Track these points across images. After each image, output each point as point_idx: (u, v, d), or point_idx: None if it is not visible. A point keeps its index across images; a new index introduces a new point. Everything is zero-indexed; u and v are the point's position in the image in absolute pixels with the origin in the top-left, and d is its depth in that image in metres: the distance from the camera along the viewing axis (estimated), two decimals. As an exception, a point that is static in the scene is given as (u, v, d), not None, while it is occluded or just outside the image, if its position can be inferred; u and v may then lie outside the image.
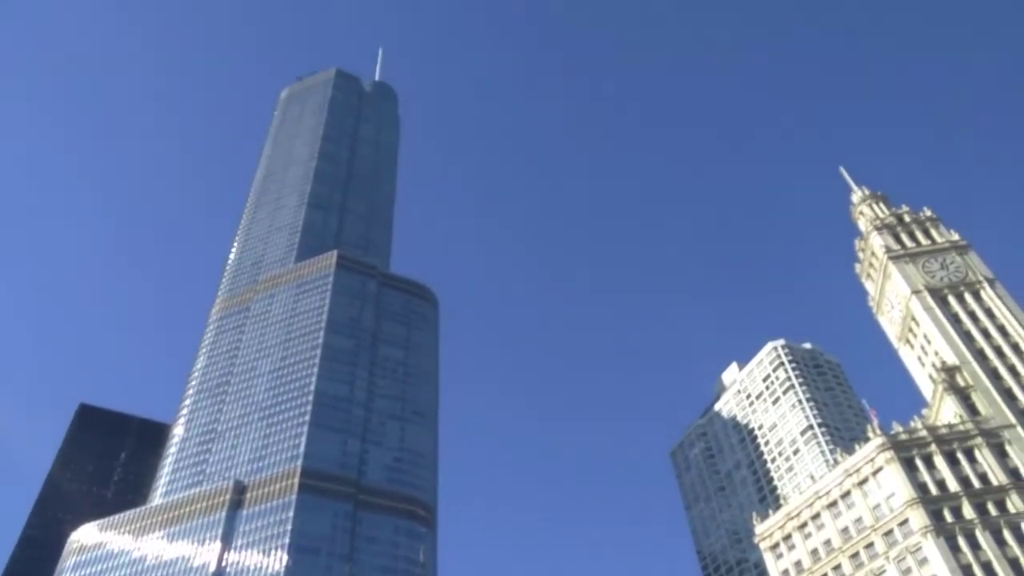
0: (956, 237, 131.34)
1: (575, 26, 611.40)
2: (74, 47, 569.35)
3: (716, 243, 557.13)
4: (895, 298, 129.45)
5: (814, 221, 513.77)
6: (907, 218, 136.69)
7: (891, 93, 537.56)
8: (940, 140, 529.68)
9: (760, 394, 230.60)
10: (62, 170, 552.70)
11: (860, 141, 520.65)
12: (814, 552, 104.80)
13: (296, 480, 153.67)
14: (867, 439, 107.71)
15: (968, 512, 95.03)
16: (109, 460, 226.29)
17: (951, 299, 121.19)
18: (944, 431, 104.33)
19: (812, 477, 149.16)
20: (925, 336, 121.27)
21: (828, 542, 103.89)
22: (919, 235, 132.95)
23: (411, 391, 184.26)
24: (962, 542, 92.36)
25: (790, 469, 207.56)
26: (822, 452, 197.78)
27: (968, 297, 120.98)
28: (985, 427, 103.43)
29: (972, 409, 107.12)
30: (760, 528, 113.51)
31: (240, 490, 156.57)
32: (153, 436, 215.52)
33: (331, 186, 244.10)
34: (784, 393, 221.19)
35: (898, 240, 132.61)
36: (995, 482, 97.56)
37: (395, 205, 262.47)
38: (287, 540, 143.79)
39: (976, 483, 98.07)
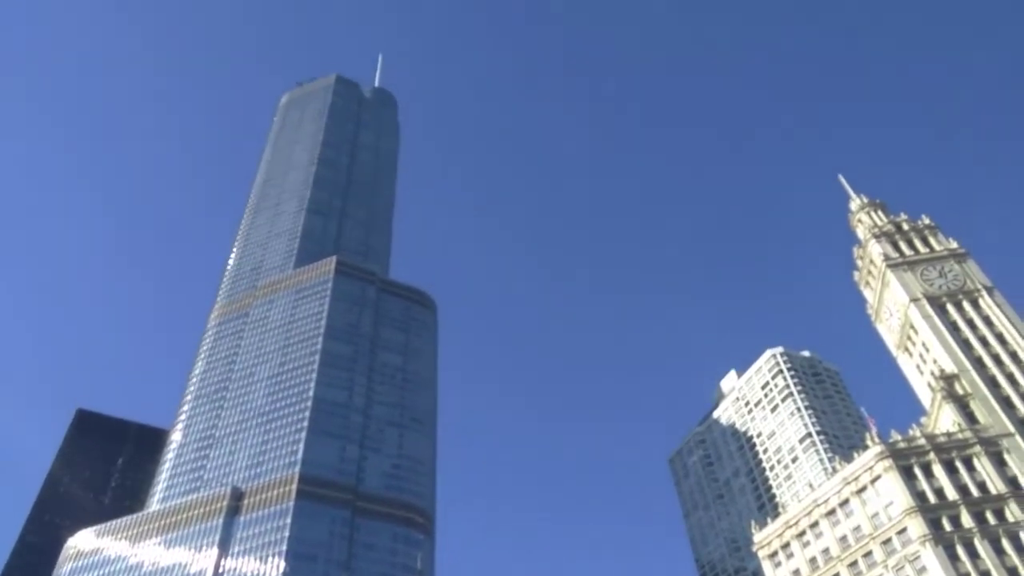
0: (954, 245, 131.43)
1: (575, 32, 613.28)
2: (75, 49, 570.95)
3: (715, 250, 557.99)
4: (894, 306, 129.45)
5: (813, 228, 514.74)
6: (905, 226, 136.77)
7: (891, 97, 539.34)
8: (939, 146, 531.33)
9: (759, 402, 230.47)
10: (62, 172, 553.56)
11: (860, 146, 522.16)
12: (812, 561, 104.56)
13: (294, 486, 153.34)
14: (866, 447, 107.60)
15: (967, 521, 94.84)
16: (107, 466, 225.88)
17: (949, 307, 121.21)
18: (943, 439, 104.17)
19: (811, 485, 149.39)
20: (924, 344, 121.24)
21: (826, 551, 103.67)
22: (917, 243, 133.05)
23: (410, 397, 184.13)
24: (961, 551, 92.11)
25: (789, 477, 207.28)
26: (821, 460, 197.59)
27: (966, 305, 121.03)
28: (984, 436, 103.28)
29: (971, 417, 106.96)
30: (758, 536, 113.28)
31: (237, 496, 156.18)
32: (151, 442, 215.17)
33: (331, 192, 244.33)
34: (783, 401, 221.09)
35: (896, 248, 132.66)
36: (994, 491, 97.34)
37: (394, 211, 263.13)
38: (284, 547, 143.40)
39: (975, 492, 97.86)
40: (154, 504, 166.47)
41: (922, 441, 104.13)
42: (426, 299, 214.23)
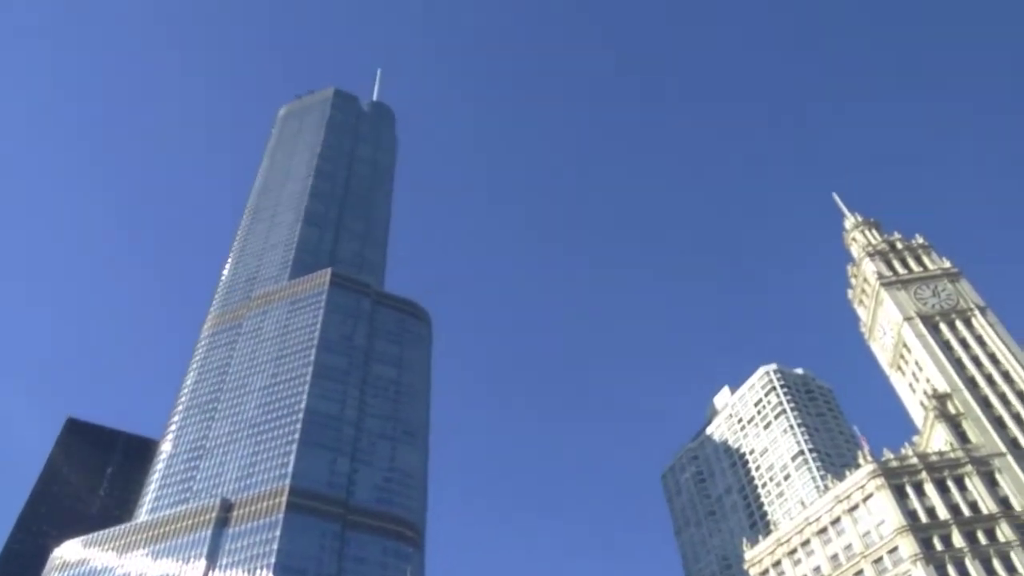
0: (948, 264, 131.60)
1: (572, 49, 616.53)
2: (75, 57, 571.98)
3: (710, 266, 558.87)
4: (887, 324, 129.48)
5: (807, 246, 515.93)
6: (899, 245, 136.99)
7: (886, 117, 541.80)
8: (935, 166, 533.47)
9: (752, 418, 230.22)
10: (57, 181, 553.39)
11: (855, 165, 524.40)
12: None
13: (284, 499, 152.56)
14: (858, 465, 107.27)
15: (958, 541, 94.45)
16: (96, 475, 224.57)
17: (943, 326, 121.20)
18: (935, 459, 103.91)
19: (803, 503, 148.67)
20: (916, 363, 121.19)
21: (818, 569, 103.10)
22: (911, 262, 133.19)
23: (402, 410, 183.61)
24: (951, 571, 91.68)
25: (781, 495, 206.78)
26: (813, 478, 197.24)
27: (960, 325, 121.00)
28: (975, 455, 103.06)
29: (963, 437, 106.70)
30: (750, 554, 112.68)
31: (227, 508, 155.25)
32: (140, 452, 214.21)
33: (327, 204, 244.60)
34: (776, 418, 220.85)
35: (890, 267, 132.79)
36: (985, 511, 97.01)
37: (391, 224, 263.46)
38: (273, 560, 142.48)
39: (966, 511, 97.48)
40: (143, 514, 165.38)
41: (914, 460, 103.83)
42: (421, 312, 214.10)
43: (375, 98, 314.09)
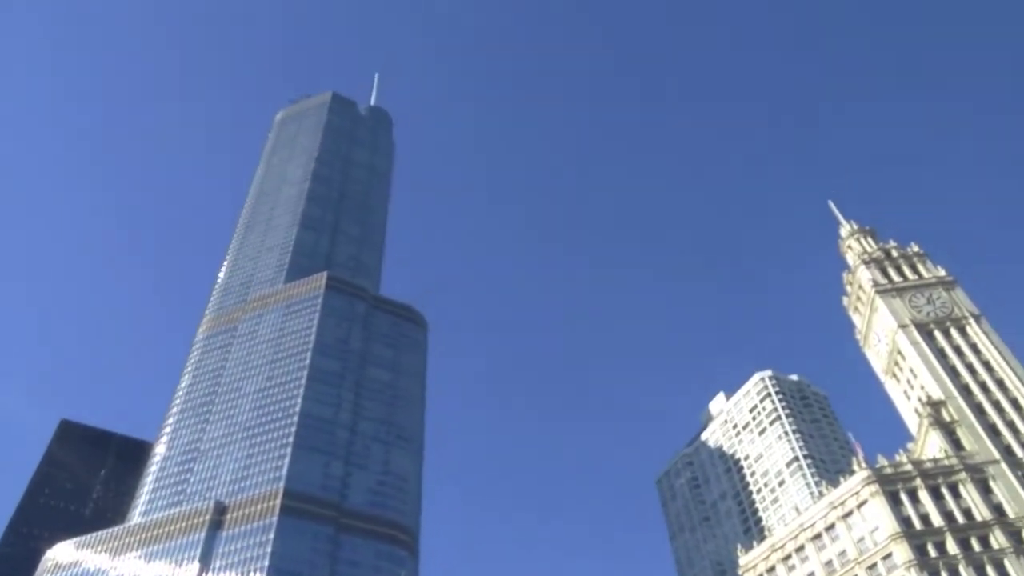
0: (943, 273, 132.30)
1: (570, 54, 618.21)
2: (73, 61, 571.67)
3: (705, 271, 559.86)
4: (882, 332, 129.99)
5: (803, 253, 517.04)
6: (894, 253, 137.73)
7: (882, 123, 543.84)
8: (932, 167, 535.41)
9: (747, 424, 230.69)
10: (53, 182, 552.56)
11: (851, 172, 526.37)
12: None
13: (278, 502, 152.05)
14: (852, 472, 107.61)
15: (952, 547, 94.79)
16: (89, 477, 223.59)
17: (937, 334, 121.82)
18: (929, 465, 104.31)
19: (797, 509, 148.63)
20: (911, 370, 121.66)
21: (812, 574, 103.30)
22: (906, 270, 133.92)
23: (397, 414, 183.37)
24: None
25: (775, 500, 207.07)
26: (807, 484, 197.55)
27: (954, 332, 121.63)
28: (970, 462, 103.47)
29: (957, 444, 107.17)
30: (744, 559, 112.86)
31: (220, 511, 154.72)
32: (134, 454, 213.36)
33: (324, 208, 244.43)
34: (770, 424, 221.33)
35: (885, 274, 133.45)
36: (979, 518, 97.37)
37: (387, 228, 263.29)
38: (267, 563, 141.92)
39: (960, 518, 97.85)
40: (136, 517, 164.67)
41: (908, 467, 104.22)
42: (416, 316, 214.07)
43: (373, 102, 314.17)
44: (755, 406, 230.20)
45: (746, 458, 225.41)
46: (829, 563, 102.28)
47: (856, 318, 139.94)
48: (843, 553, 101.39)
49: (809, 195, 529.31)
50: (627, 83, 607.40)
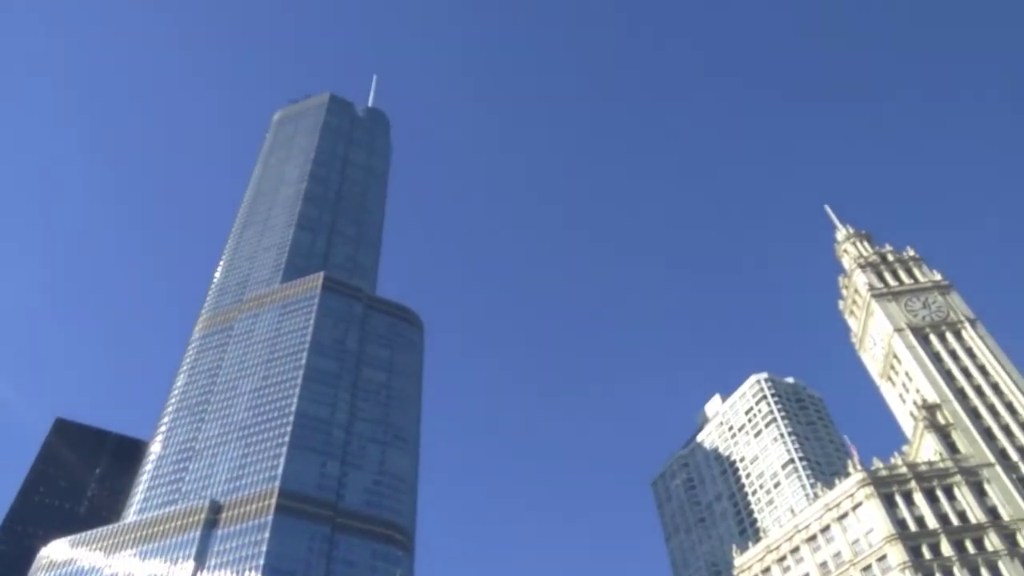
0: (938, 277, 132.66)
1: (568, 57, 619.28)
2: (71, 59, 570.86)
3: (702, 275, 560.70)
4: (877, 335, 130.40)
5: (799, 257, 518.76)
6: (890, 257, 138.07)
7: (878, 129, 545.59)
8: (926, 178, 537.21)
9: (742, 426, 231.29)
10: (51, 181, 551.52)
11: (847, 177, 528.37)
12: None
13: (273, 501, 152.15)
14: (848, 474, 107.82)
15: (946, 549, 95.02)
16: (84, 476, 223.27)
17: (933, 338, 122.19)
18: (924, 468, 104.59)
19: (792, 511, 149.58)
20: (907, 374, 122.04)
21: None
22: (902, 274, 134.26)
23: (393, 415, 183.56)
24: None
25: (770, 502, 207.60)
26: (803, 486, 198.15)
27: (949, 336, 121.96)
28: (964, 465, 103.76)
29: (952, 447, 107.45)
30: (739, 560, 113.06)
31: (216, 509, 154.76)
32: (129, 453, 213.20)
33: (320, 208, 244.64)
34: (766, 426, 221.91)
35: (881, 278, 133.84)
36: (974, 520, 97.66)
37: (384, 229, 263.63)
38: (262, 561, 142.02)
39: (955, 521, 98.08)
40: (131, 515, 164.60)
41: (904, 469, 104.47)
42: (413, 317, 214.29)
43: (370, 104, 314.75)
44: (751, 408, 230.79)
45: (742, 460, 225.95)
46: (824, 564, 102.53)
47: (852, 322, 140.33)
48: (838, 555, 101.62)
49: (806, 199, 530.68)
50: (624, 83, 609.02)
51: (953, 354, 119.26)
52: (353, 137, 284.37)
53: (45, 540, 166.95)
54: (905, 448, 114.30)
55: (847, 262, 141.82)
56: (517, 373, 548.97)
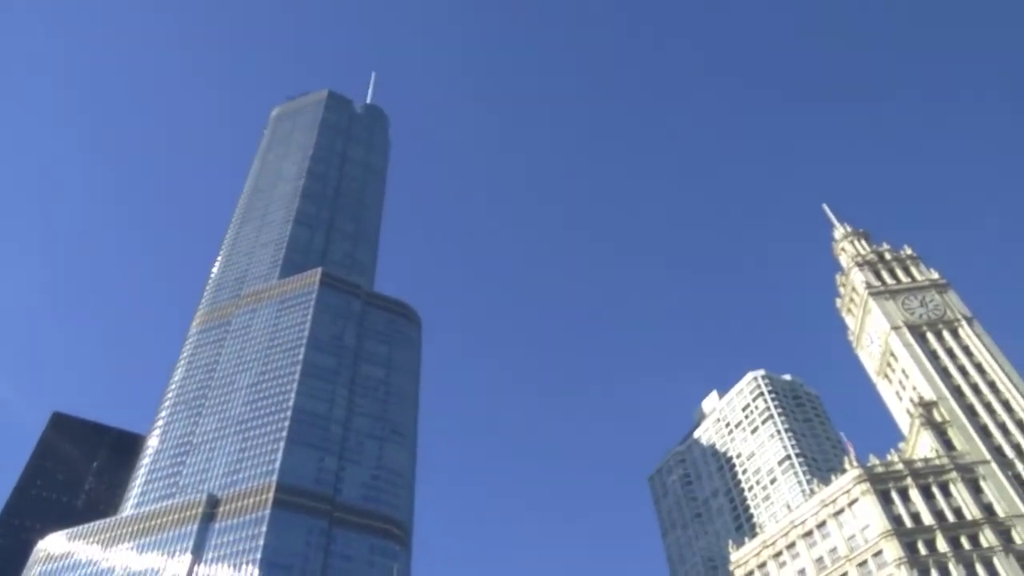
0: (936, 275, 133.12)
1: (567, 54, 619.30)
2: (70, 56, 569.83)
3: (700, 273, 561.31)
4: (874, 333, 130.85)
5: (797, 255, 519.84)
6: (888, 255, 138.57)
7: (876, 127, 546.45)
8: (924, 179, 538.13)
9: (739, 423, 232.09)
10: (48, 177, 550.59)
11: (844, 175, 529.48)
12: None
13: (270, 495, 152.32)
14: (844, 470, 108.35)
15: (942, 545, 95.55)
16: (81, 470, 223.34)
17: (929, 336, 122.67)
18: (920, 465, 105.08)
19: (788, 506, 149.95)
20: (903, 371, 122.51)
21: (803, 571, 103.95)
22: (899, 272, 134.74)
23: (391, 410, 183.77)
24: (935, 575, 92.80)
25: (767, 498, 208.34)
26: (799, 482, 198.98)
27: (946, 334, 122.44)
28: (960, 462, 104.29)
29: (948, 444, 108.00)
30: (736, 556, 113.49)
31: (213, 503, 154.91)
32: (127, 447, 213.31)
33: (318, 204, 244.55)
34: (763, 423, 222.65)
35: (879, 277, 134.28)
36: (969, 516, 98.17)
37: (382, 226, 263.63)
38: (259, 555, 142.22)
39: (950, 517, 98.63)
40: (128, 509, 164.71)
41: (900, 466, 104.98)
42: (411, 313, 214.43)
43: (369, 100, 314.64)
44: (748, 405, 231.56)
45: (738, 456, 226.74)
46: (820, 560, 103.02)
47: (849, 319, 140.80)
48: (834, 550, 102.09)
49: (804, 197, 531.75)
50: (624, 83, 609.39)
51: (950, 352, 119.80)
52: (351, 134, 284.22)
53: (42, 533, 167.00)
54: (901, 445, 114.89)
55: (845, 260, 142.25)
56: (515, 370, 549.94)
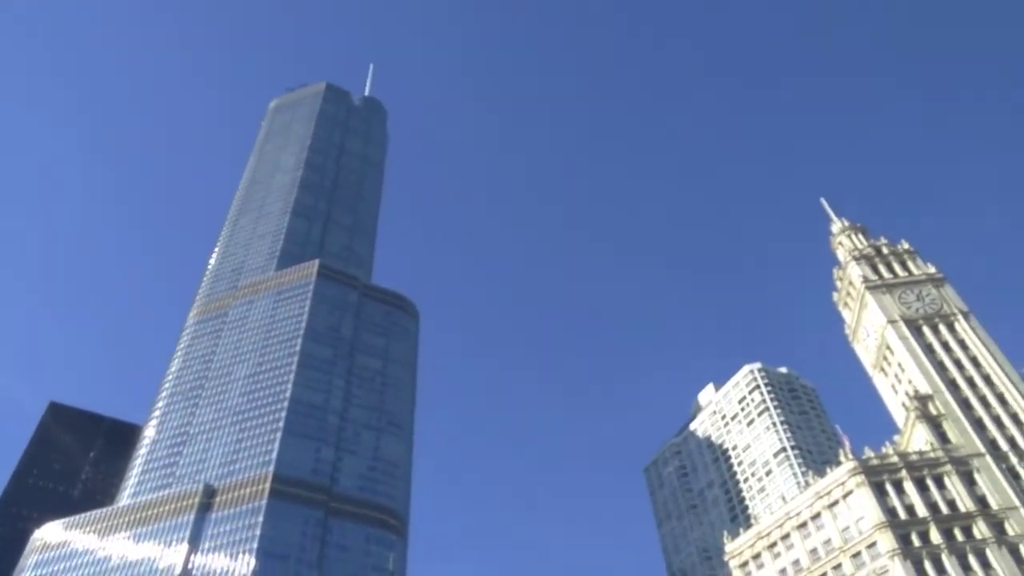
0: (932, 270, 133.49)
1: (566, 48, 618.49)
2: (70, 47, 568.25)
3: (697, 266, 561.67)
4: (871, 327, 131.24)
5: (795, 249, 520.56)
6: (885, 250, 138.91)
7: (874, 121, 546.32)
8: (921, 173, 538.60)
9: (735, 415, 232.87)
10: (45, 167, 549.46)
11: (842, 168, 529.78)
12: (782, 572, 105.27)
13: (267, 485, 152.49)
14: (839, 463, 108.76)
15: (935, 537, 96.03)
16: (78, 459, 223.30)
17: (926, 330, 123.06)
18: (915, 458, 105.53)
19: (783, 498, 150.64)
20: (899, 365, 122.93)
21: (797, 562, 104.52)
22: (896, 267, 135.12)
23: (388, 401, 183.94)
24: (928, 566, 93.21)
25: (762, 490, 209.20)
26: (794, 474, 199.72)
27: (942, 328, 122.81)
28: (955, 455, 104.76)
29: (943, 437, 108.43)
30: (730, 546, 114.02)
31: (210, 493, 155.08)
32: (124, 437, 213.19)
33: (316, 196, 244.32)
34: (759, 415, 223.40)
35: (876, 271, 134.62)
36: (963, 509, 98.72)
37: (380, 218, 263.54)
38: (255, 545, 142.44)
39: (944, 509, 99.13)
40: (124, 499, 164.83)
41: (894, 459, 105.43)
42: (408, 305, 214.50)
43: (367, 93, 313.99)
44: (744, 397, 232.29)
45: (734, 448, 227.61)
46: (814, 551, 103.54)
47: (846, 313, 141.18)
48: (828, 541, 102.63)
49: (802, 191, 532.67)
50: (621, 75, 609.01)
51: (946, 346, 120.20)
52: (349, 126, 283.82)
53: (39, 522, 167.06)
54: (896, 438, 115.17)
55: (842, 254, 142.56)
56: (511, 363, 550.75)
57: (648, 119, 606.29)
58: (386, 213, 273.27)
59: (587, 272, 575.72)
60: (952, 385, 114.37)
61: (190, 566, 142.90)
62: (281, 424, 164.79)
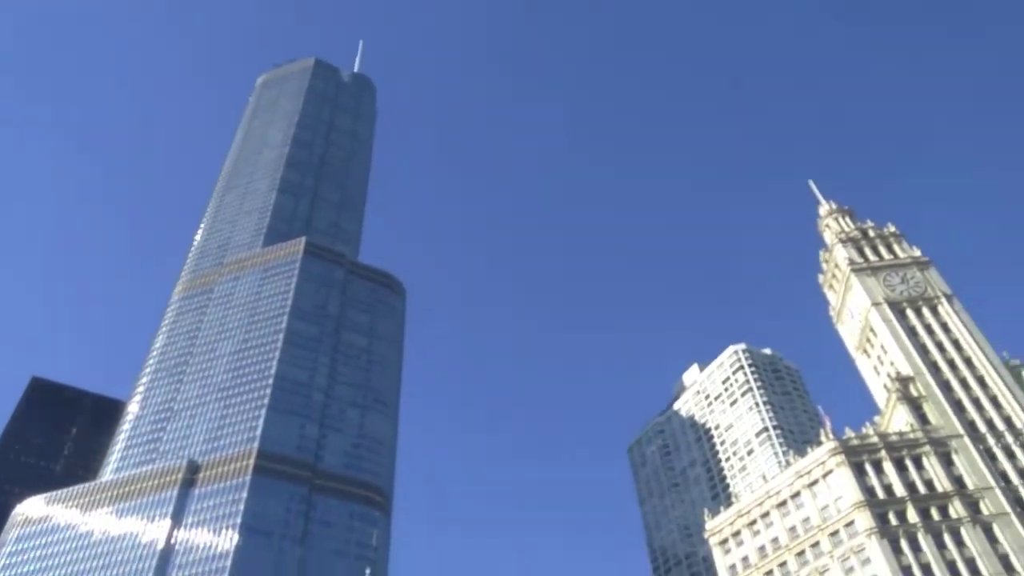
0: (918, 253, 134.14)
1: (558, 26, 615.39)
2: (55, 24, 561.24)
3: (686, 248, 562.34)
4: (855, 309, 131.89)
5: (782, 232, 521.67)
6: (871, 233, 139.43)
7: (862, 103, 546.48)
8: (910, 156, 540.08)
9: (719, 395, 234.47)
10: (26, 140, 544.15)
11: (830, 151, 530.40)
12: (761, 549, 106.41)
13: (251, 462, 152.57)
14: (820, 443, 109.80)
15: (912, 516, 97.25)
16: (60, 435, 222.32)
17: (909, 312, 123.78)
18: (894, 438, 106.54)
19: (764, 477, 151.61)
20: (882, 347, 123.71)
21: (776, 540, 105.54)
22: (882, 249, 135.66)
23: (373, 379, 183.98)
24: (904, 544, 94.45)
25: (743, 469, 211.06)
26: (775, 454, 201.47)
27: (926, 311, 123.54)
28: (934, 436, 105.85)
29: (923, 418, 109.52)
30: (711, 524, 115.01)
31: (193, 469, 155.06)
32: (107, 413, 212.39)
33: (303, 173, 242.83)
34: (742, 395, 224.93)
35: (861, 253, 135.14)
36: (940, 489, 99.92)
37: (367, 195, 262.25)
38: (239, 520, 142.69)
39: (922, 489, 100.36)
40: (107, 474, 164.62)
41: (875, 439, 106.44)
42: (394, 283, 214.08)
43: (356, 70, 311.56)
44: (728, 378, 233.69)
45: (716, 427, 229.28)
46: (793, 529, 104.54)
47: (831, 295, 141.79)
48: (807, 520, 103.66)
49: (790, 174, 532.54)
50: (616, 61, 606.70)
51: (928, 328, 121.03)
52: (338, 102, 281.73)
53: (20, 497, 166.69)
54: (877, 419, 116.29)
55: (829, 237, 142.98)
56: (497, 341, 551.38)
57: (634, 101, 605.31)
58: (374, 190, 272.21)
59: (574, 250, 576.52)
60: (933, 367, 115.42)
61: (173, 541, 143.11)
62: (266, 401, 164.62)
